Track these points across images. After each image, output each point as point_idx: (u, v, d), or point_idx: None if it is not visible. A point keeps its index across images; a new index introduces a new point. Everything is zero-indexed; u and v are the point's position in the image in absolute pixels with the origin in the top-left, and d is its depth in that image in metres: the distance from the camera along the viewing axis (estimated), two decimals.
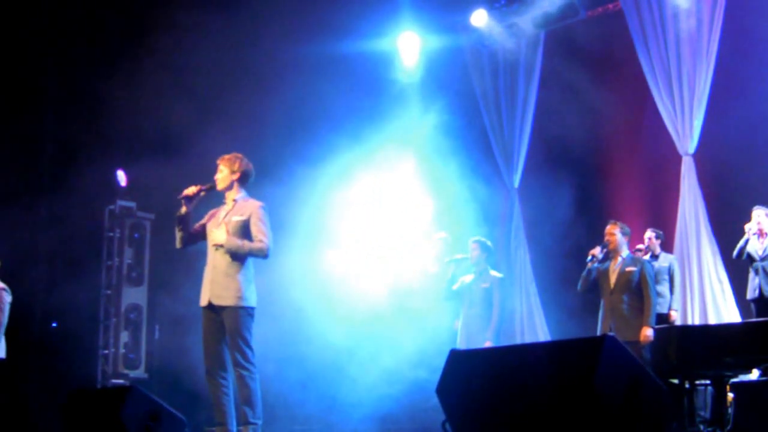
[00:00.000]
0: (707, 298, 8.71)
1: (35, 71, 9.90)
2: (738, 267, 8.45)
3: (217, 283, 5.75)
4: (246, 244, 5.74)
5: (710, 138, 9.00)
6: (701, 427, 6.89)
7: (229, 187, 5.92)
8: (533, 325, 10.18)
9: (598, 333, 7.09)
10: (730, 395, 6.54)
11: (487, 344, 7.33)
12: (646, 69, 9.39)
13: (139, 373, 10.08)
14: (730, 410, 6.49)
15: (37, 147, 10.00)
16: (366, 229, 9.60)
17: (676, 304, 8.65)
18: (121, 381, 9.80)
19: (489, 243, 7.88)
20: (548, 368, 3.94)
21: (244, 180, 5.94)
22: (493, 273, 7.77)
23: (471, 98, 10.98)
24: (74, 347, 9.75)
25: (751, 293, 8.17)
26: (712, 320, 8.55)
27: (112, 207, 10.33)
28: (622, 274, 7.07)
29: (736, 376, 6.66)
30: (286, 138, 9.50)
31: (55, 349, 9.59)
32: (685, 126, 9.10)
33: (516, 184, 10.69)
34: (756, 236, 8.11)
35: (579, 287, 7.37)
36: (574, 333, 9.06)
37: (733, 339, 6.50)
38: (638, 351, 6.76)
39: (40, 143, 10.02)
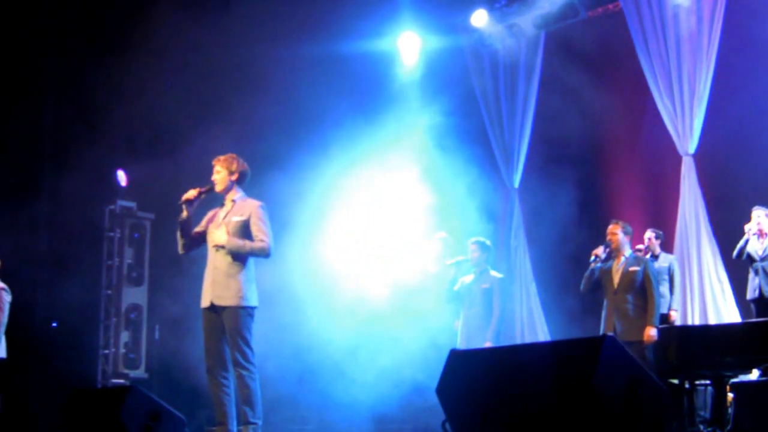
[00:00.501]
0: (707, 298, 8.71)
1: (35, 71, 9.90)
2: (738, 267, 8.45)
3: (218, 284, 5.76)
4: (247, 244, 5.75)
5: (710, 138, 9.00)
6: (701, 427, 6.89)
7: (228, 188, 5.93)
8: (533, 325, 10.18)
9: (601, 332, 7.08)
10: (730, 395, 6.55)
11: (487, 344, 7.33)
12: (646, 69, 9.39)
13: (140, 373, 10.09)
14: (730, 410, 6.49)
15: (37, 146, 10.00)
16: (366, 229, 9.60)
17: (676, 304, 8.65)
18: (121, 381, 9.81)
19: (488, 243, 7.88)
20: (548, 368, 3.94)
21: (241, 180, 5.96)
22: (494, 273, 7.78)
23: (471, 98, 10.98)
24: (74, 347, 9.76)
25: (751, 293, 8.18)
26: (712, 320, 8.54)
27: (112, 207, 10.34)
28: (626, 273, 7.06)
29: (736, 376, 6.66)
30: (287, 138, 9.50)
31: (56, 349, 9.60)
32: (685, 126, 9.10)
33: (516, 184, 10.69)
34: (756, 236, 8.11)
35: (582, 287, 7.36)
36: (574, 333, 9.06)
37: (733, 339, 6.51)
38: (641, 351, 6.76)
39: (39, 143, 10.03)
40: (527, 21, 10.42)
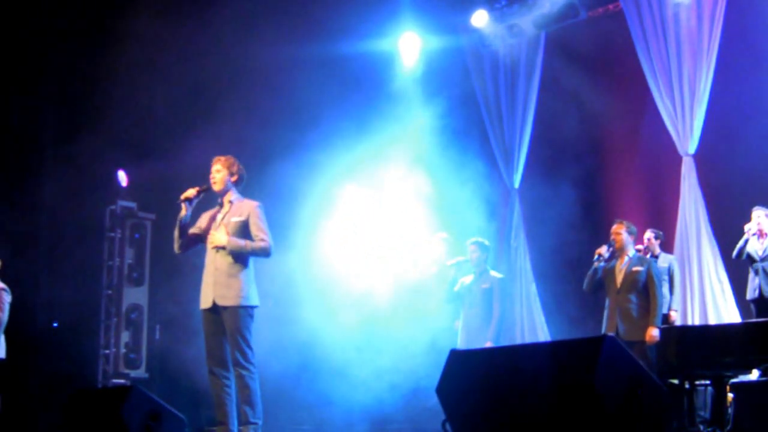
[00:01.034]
0: (707, 298, 8.71)
1: (35, 71, 9.90)
2: (738, 267, 8.46)
3: (220, 284, 5.77)
4: (248, 244, 5.78)
5: (710, 138, 9.00)
6: (701, 427, 6.89)
7: (227, 189, 5.96)
8: (533, 325, 10.18)
9: (603, 332, 7.08)
10: (730, 395, 6.55)
11: (488, 344, 7.34)
12: (646, 69, 9.39)
13: (140, 372, 10.10)
14: (729, 410, 6.49)
15: (37, 146, 10.00)
16: (367, 229, 9.61)
17: (676, 304, 8.66)
18: (121, 381, 9.82)
19: (487, 243, 7.89)
20: (548, 368, 3.95)
21: (239, 182, 6.02)
22: (493, 273, 7.79)
23: (471, 98, 10.99)
24: (75, 347, 9.76)
25: (750, 293, 8.18)
26: (712, 320, 8.55)
27: (113, 207, 10.34)
28: (629, 273, 7.06)
29: (736, 376, 6.66)
30: (287, 138, 9.51)
31: (56, 349, 9.60)
32: (686, 126, 9.10)
33: (516, 184, 10.69)
34: (756, 237, 8.12)
35: (584, 286, 7.36)
36: (575, 333, 9.06)
37: (733, 339, 6.51)
38: (643, 351, 6.76)
39: (40, 143, 10.03)
40: (527, 21, 10.41)
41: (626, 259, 7.15)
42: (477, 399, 4.26)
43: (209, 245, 5.88)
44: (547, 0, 10.04)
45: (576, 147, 10.19)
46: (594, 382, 3.64)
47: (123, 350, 10.06)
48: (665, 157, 9.40)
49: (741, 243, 8.16)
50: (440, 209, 9.52)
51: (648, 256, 8.45)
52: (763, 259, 8.07)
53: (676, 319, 8.61)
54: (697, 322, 8.59)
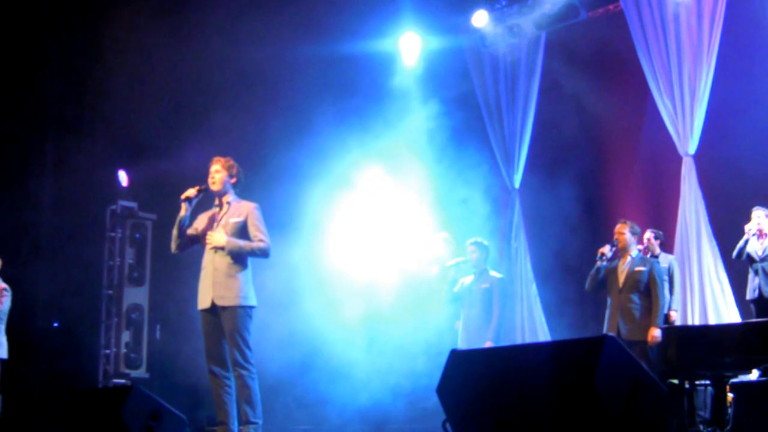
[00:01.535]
0: (707, 299, 8.71)
1: (36, 70, 9.91)
2: (738, 267, 8.46)
3: (219, 285, 5.78)
4: (247, 245, 5.80)
5: (711, 138, 9.00)
6: (701, 427, 6.90)
7: (225, 190, 5.97)
8: (534, 325, 10.18)
9: (605, 331, 7.09)
10: (730, 395, 6.55)
11: (488, 344, 7.35)
12: (646, 69, 9.39)
13: (141, 372, 10.11)
14: (729, 410, 6.49)
15: (38, 146, 10.01)
16: (367, 229, 9.61)
17: (676, 304, 8.66)
18: (122, 381, 9.83)
19: (486, 243, 7.89)
20: (548, 368, 3.95)
21: (238, 183, 6.03)
22: (493, 273, 7.79)
23: (472, 98, 10.98)
24: (76, 347, 9.77)
25: (750, 294, 8.19)
26: (712, 320, 8.55)
27: (113, 207, 10.35)
28: (631, 273, 7.06)
29: (736, 376, 6.66)
30: (288, 138, 9.52)
31: (57, 349, 9.62)
32: (686, 126, 9.10)
33: (517, 184, 10.69)
34: (756, 237, 8.12)
35: (587, 285, 7.36)
36: (575, 334, 9.07)
37: (733, 339, 6.51)
38: (644, 351, 6.76)
39: (41, 143, 10.04)
40: (528, 21, 10.41)
41: (629, 259, 7.15)
42: (477, 399, 4.27)
43: (208, 246, 5.89)
44: (547, 0, 10.04)
45: (576, 147, 10.20)
46: (594, 382, 3.65)
47: (123, 350, 10.07)
48: (665, 157, 9.41)
49: (741, 243, 8.17)
50: (440, 209, 9.53)
51: (648, 256, 8.46)
52: (762, 259, 8.08)
53: (676, 319, 8.61)
54: (697, 322, 8.59)
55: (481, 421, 4.25)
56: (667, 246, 8.89)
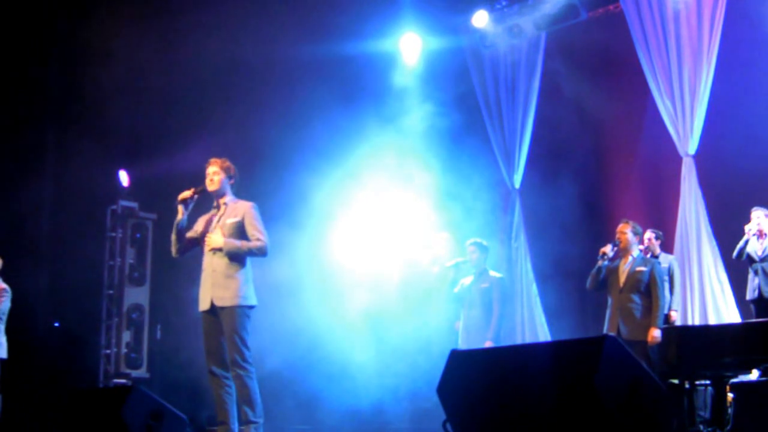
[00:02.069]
0: (707, 299, 8.71)
1: (37, 70, 9.91)
2: (738, 267, 8.47)
3: (218, 285, 5.80)
4: (245, 244, 5.81)
5: (711, 138, 9.01)
6: (701, 427, 6.90)
7: (223, 191, 5.99)
8: (534, 325, 10.18)
9: (605, 331, 7.10)
10: (730, 395, 6.55)
11: (488, 344, 7.35)
12: (646, 69, 9.39)
13: (141, 372, 10.11)
14: (729, 410, 6.50)
15: (38, 147, 10.01)
16: (368, 229, 9.61)
17: (676, 304, 8.67)
18: (123, 380, 9.83)
19: (485, 243, 7.89)
20: (549, 368, 3.96)
21: (234, 185, 6.04)
22: (493, 273, 7.79)
23: (472, 99, 10.99)
24: (76, 347, 9.78)
25: (750, 294, 8.19)
26: (712, 320, 8.55)
27: (114, 207, 10.36)
28: (632, 273, 7.07)
29: (736, 376, 6.67)
30: (289, 138, 9.52)
31: (57, 349, 9.62)
32: (686, 126, 9.10)
33: (517, 184, 10.69)
34: (756, 237, 8.13)
35: (588, 284, 7.36)
36: (575, 334, 9.08)
37: (732, 339, 6.50)
38: (645, 351, 6.77)
39: (41, 143, 10.04)
40: (528, 22, 10.42)
41: (630, 258, 7.16)
42: (477, 399, 4.27)
43: (206, 248, 5.90)
44: (547, 0, 10.04)
45: (576, 147, 10.20)
46: (594, 381, 3.65)
47: (124, 350, 10.08)
48: (665, 157, 9.41)
49: (741, 243, 8.17)
50: (441, 209, 9.53)
51: (648, 256, 8.47)
52: (762, 260, 8.08)
53: (677, 319, 8.62)
54: (697, 322, 8.60)
55: (481, 421, 4.25)
56: (666, 246, 8.90)
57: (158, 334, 10.26)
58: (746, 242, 8.14)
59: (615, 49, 10.01)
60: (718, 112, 8.96)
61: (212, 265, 5.85)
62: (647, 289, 7.01)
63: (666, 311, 8.37)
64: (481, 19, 10.56)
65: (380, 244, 9.58)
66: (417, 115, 10.10)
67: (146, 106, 9.62)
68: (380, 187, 9.59)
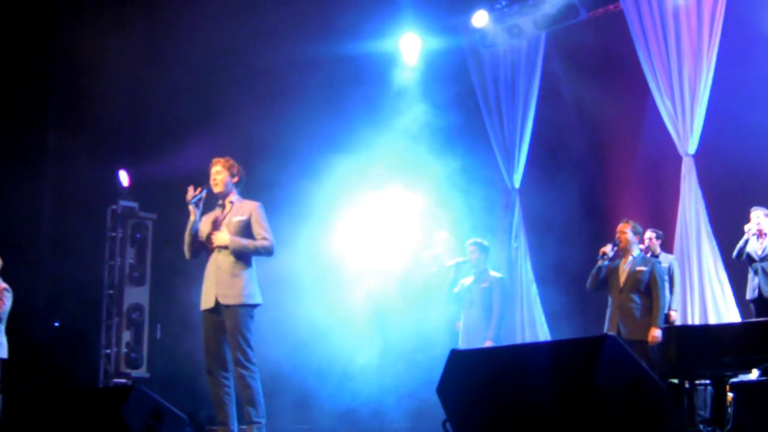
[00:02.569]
0: (707, 298, 8.72)
1: (37, 70, 9.92)
2: (738, 267, 8.47)
3: (222, 283, 5.78)
4: (251, 243, 5.80)
5: (711, 138, 9.01)
6: (701, 426, 6.90)
7: (228, 190, 5.97)
8: (534, 325, 10.19)
9: (605, 330, 7.11)
10: (730, 395, 6.56)
11: (488, 344, 7.35)
12: (646, 69, 9.40)
13: (141, 372, 10.12)
14: (729, 410, 6.50)
15: (39, 146, 10.02)
16: (369, 228, 9.62)
17: (676, 304, 8.67)
18: (123, 380, 9.84)
19: (486, 243, 7.89)
20: (549, 368, 3.95)
21: (239, 183, 6.03)
22: (493, 273, 7.80)
23: (472, 98, 11.00)
24: (76, 347, 9.79)
25: (750, 293, 8.19)
26: (712, 320, 8.56)
27: (114, 207, 10.37)
28: (633, 273, 7.06)
29: (735, 375, 6.67)
30: (288, 137, 9.52)
31: (58, 349, 9.62)
32: (686, 126, 9.11)
33: (517, 184, 10.70)
34: (755, 237, 8.13)
35: (588, 284, 7.36)
36: (575, 334, 9.08)
37: (732, 339, 6.51)
38: (645, 350, 6.77)
39: (41, 143, 10.05)
40: (528, 21, 10.42)
41: (630, 258, 7.16)
42: (477, 399, 4.27)
43: (211, 245, 5.88)
44: (547, 0, 10.04)
45: (576, 147, 10.20)
46: (594, 381, 3.65)
47: (124, 350, 10.09)
48: (665, 157, 9.41)
49: (741, 243, 8.17)
50: (441, 209, 9.53)
51: (648, 255, 8.47)
52: (762, 259, 8.08)
53: (677, 318, 8.62)
54: (697, 322, 8.60)
55: (481, 421, 4.25)
56: (666, 246, 8.90)
57: (158, 334, 10.27)
58: (746, 242, 8.15)
59: (615, 48, 10.01)
60: (718, 111, 8.96)
61: (217, 263, 5.84)
62: (647, 288, 7.01)
63: (666, 311, 8.38)
64: (480, 18, 10.56)
65: (380, 244, 9.57)
66: (417, 115, 10.11)
67: (146, 106, 9.62)
68: (380, 186, 9.59)
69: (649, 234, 8.65)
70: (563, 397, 3.82)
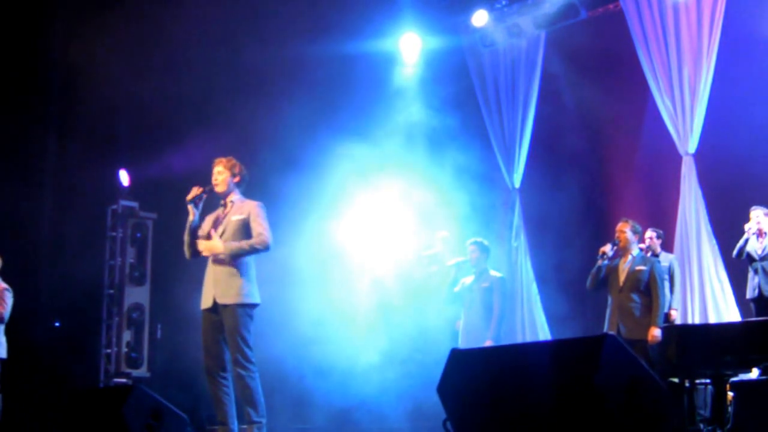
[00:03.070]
0: (707, 298, 8.72)
1: (37, 70, 9.92)
2: (738, 267, 8.47)
3: (221, 283, 5.78)
4: (246, 243, 5.78)
5: (710, 138, 9.01)
6: (701, 425, 6.91)
7: (230, 190, 5.97)
8: (534, 325, 10.19)
9: (605, 330, 7.11)
10: (730, 394, 6.56)
11: (488, 343, 7.35)
12: (646, 69, 9.40)
13: (142, 372, 10.12)
14: (729, 409, 6.51)
15: (39, 146, 10.02)
16: (369, 228, 9.62)
17: (676, 303, 8.68)
18: (123, 380, 9.84)
19: (486, 243, 7.89)
20: (549, 367, 3.95)
21: (241, 183, 6.02)
22: (493, 273, 7.79)
23: (472, 98, 11.00)
24: (77, 346, 9.79)
25: (750, 293, 8.20)
26: (712, 319, 8.56)
27: (114, 207, 10.37)
28: (632, 272, 7.07)
29: (736, 375, 6.68)
30: (289, 137, 9.52)
31: (58, 349, 9.62)
32: (686, 126, 9.11)
33: (517, 184, 10.70)
34: (755, 236, 8.14)
35: (588, 284, 7.37)
36: (575, 333, 9.08)
37: (733, 338, 6.52)
38: (644, 350, 6.78)
39: (42, 143, 10.05)
40: (528, 21, 10.43)
41: (630, 257, 7.16)
42: (478, 398, 4.27)
43: (204, 254, 5.88)
44: (547, 0, 10.05)
45: (576, 146, 10.20)
46: (594, 380, 3.65)
47: (125, 349, 10.09)
48: (665, 157, 9.41)
49: (741, 242, 8.18)
50: (441, 209, 9.53)
51: (649, 255, 8.47)
52: (762, 258, 8.09)
53: (677, 318, 8.63)
54: (697, 321, 8.61)
55: (481, 421, 4.26)
56: (666, 245, 8.91)
57: (159, 334, 10.27)
58: (746, 241, 8.15)
59: (615, 48, 10.01)
60: (718, 110, 8.97)
61: (216, 263, 5.84)
62: (647, 288, 7.02)
63: (666, 310, 8.38)
64: (480, 18, 10.57)
65: (379, 244, 9.57)
66: (417, 115, 10.10)
67: (146, 106, 9.62)
68: (380, 186, 9.59)
69: (649, 233, 8.66)
70: (563, 396, 3.82)
